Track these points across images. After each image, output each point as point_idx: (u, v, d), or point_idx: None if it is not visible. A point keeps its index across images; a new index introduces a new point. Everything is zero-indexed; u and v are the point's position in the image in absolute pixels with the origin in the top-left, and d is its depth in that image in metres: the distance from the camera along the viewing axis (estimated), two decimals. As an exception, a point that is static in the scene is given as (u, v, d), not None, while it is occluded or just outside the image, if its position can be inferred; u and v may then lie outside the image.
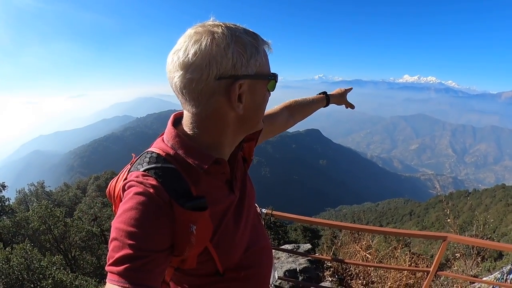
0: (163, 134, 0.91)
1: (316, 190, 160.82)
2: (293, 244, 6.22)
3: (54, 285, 8.46)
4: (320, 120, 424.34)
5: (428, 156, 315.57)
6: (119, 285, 0.67)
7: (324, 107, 1.65)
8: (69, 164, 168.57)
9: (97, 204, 17.58)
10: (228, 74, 0.76)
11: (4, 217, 16.31)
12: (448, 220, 4.55)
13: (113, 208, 0.97)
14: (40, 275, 8.70)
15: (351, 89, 1.76)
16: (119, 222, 0.73)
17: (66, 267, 11.07)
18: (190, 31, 0.78)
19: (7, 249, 8.82)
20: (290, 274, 3.91)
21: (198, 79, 0.75)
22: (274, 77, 0.87)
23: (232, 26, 0.80)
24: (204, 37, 0.75)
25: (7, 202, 17.88)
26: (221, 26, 0.78)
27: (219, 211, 0.89)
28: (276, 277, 2.86)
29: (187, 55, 0.75)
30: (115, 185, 0.95)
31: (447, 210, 4.67)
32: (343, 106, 1.78)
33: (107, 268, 0.71)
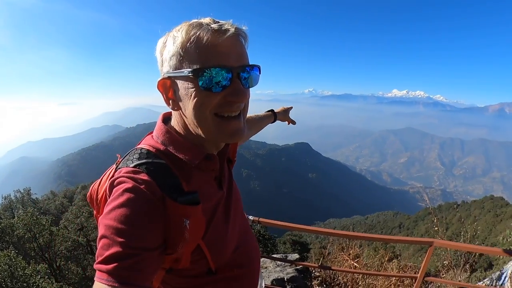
0: (151, 133, 0.91)
1: (306, 203, 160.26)
2: (281, 254, 6.15)
3: (37, 295, 8.24)
4: (309, 133, 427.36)
5: (417, 169, 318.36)
6: (108, 284, 0.65)
7: (272, 123, 1.83)
8: (56, 172, 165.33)
9: (83, 213, 17.20)
10: (161, 72, 0.83)
11: (-12, 224, 15.90)
12: (436, 228, 4.56)
13: (95, 213, 0.94)
14: (24, 283, 8.47)
15: (291, 108, 1.96)
16: (109, 219, 0.70)
17: (50, 276, 10.79)
18: None
19: (-10, 256, 8.57)
20: (278, 283, 3.88)
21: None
22: (195, 72, 0.74)
23: (187, 22, 0.79)
24: None
25: (-9, 209, 17.45)
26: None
27: (210, 207, 0.89)
28: (263, 286, 2.83)
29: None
30: (98, 188, 0.93)
31: (435, 220, 4.69)
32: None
33: (95, 266, 0.68)
